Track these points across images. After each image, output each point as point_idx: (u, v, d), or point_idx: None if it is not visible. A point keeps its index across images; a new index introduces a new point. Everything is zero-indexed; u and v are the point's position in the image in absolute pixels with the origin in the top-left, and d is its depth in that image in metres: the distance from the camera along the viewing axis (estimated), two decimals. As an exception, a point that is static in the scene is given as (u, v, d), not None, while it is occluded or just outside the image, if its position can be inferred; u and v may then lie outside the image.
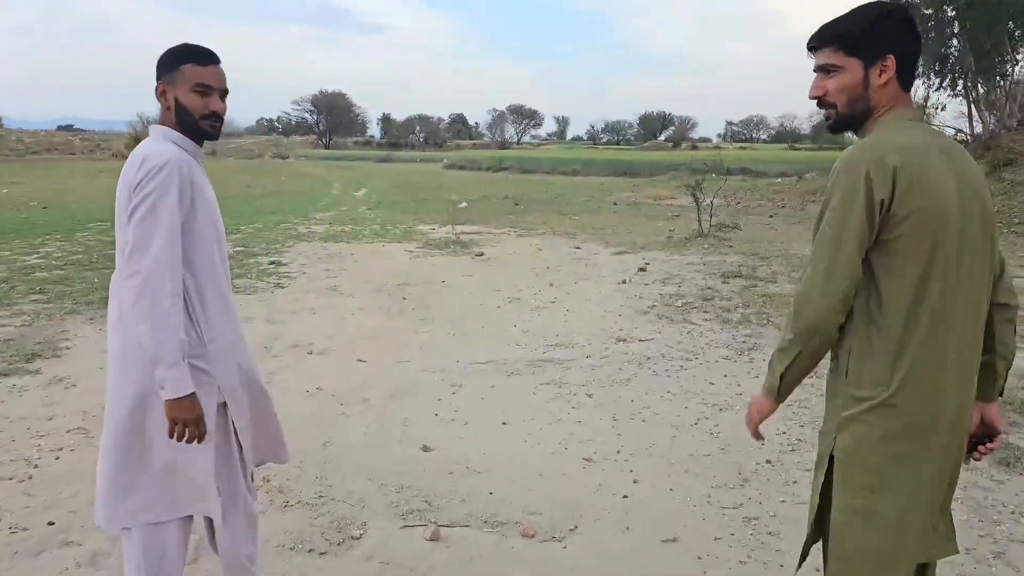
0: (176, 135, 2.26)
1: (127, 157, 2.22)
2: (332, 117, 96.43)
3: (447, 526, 3.37)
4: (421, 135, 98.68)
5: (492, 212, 18.45)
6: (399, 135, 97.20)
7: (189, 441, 2.17)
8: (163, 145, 2.20)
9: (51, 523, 3.30)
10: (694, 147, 79.86)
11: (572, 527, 3.37)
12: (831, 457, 1.87)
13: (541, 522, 3.41)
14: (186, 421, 2.14)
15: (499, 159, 49.80)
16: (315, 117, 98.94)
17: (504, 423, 4.62)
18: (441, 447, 4.24)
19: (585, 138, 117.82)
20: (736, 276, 9.43)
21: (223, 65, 2.31)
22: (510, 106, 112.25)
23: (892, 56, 1.81)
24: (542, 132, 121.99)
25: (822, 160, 39.51)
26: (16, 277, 8.90)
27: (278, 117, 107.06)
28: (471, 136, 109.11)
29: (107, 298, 2.33)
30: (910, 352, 1.74)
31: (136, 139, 58.76)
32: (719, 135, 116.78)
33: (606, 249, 12.28)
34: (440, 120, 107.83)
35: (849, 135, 1.96)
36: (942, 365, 1.77)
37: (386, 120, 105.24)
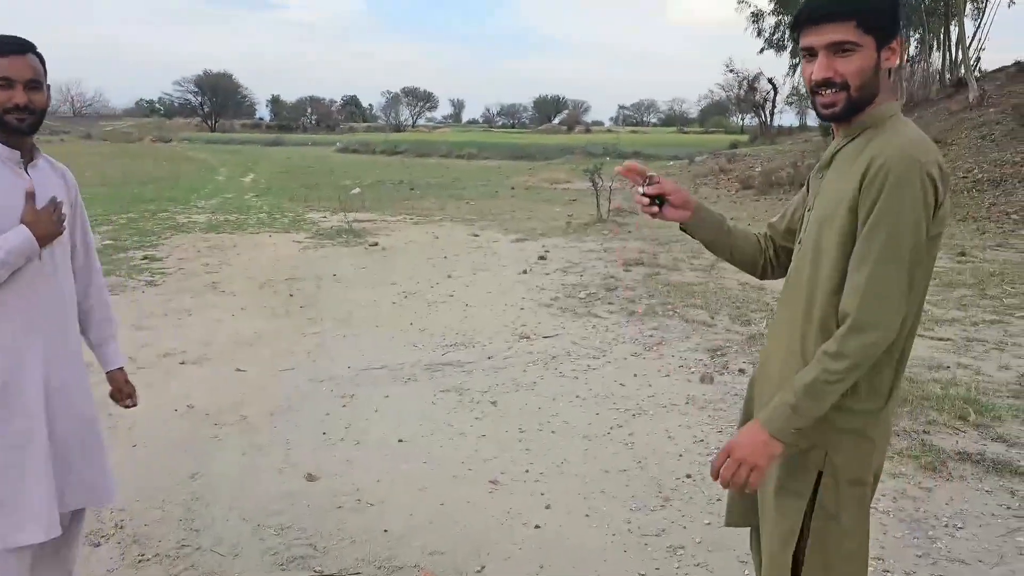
0: None
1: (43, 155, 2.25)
2: (218, 98, 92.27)
3: (334, 575, 2.91)
4: (313, 118, 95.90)
5: (387, 198, 17.82)
6: (290, 117, 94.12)
7: None
8: None
9: None
10: (587, 130, 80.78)
11: (479, 568, 2.97)
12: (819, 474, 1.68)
13: (444, 564, 2.99)
14: None
15: (393, 143, 48.76)
16: (199, 98, 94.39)
17: (400, 440, 4.17)
18: (328, 474, 3.75)
19: (481, 121, 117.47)
20: (638, 264, 9.24)
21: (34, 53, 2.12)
22: (404, 88, 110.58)
23: (897, 39, 1.63)
24: (437, 115, 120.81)
25: (710, 143, 40.56)
26: None
27: (159, 98, 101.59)
28: (365, 119, 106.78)
29: None
30: (903, 362, 1.68)
31: None
32: (611, 119, 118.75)
33: (505, 236, 11.92)
34: (332, 102, 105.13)
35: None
36: (901, 376, 1.71)
37: (276, 102, 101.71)
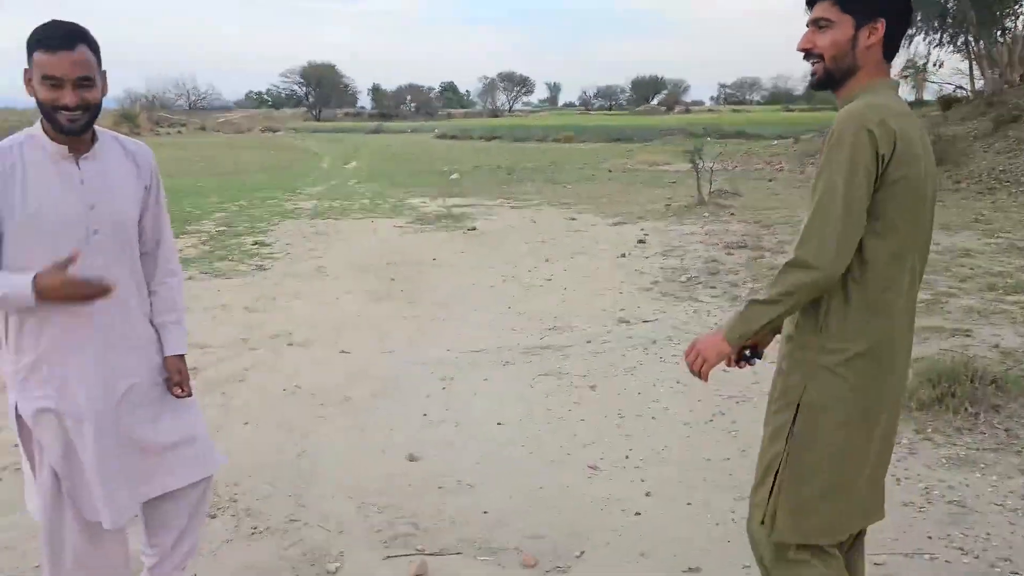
0: (40, 129, 2.05)
1: (114, 136, 2.22)
2: (322, 89, 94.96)
3: (436, 555, 2.95)
4: (412, 105, 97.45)
5: (484, 183, 17.93)
6: (390, 105, 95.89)
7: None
8: (11, 138, 2.06)
9: (-20, 565, 2.87)
10: (687, 110, 78.96)
11: (578, 553, 2.95)
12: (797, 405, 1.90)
13: (543, 548, 2.99)
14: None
15: (491, 128, 49.01)
16: (305, 89, 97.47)
17: (499, 423, 4.20)
18: (429, 456, 3.81)
19: (577, 104, 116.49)
20: (741, 247, 8.97)
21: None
22: (501, 73, 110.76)
23: (883, 19, 1.82)
24: (533, 99, 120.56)
25: (817, 121, 38.86)
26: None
27: (267, 90, 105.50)
28: (462, 105, 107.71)
29: None
30: (886, 310, 1.82)
31: (125, 116, 57.95)
32: (712, 98, 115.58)
33: (603, 220, 11.80)
34: (431, 89, 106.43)
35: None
36: (906, 328, 1.89)
37: (376, 91, 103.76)
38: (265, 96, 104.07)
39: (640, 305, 6.61)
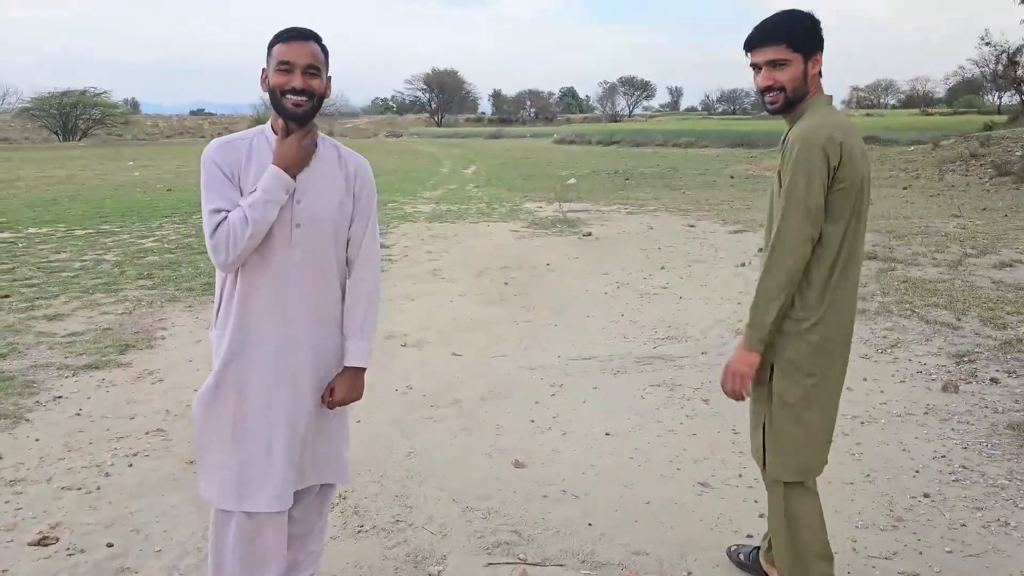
0: (269, 125, 2.25)
1: (334, 144, 2.36)
2: (444, 95, 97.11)
3: (538, 565, 2.91)
4: (531, 110, 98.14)
5: (601, 188, 17.81)
6: (509, 111, 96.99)
7: None
8: (235, 134, 2.29)
9: (110, 544, 3.04)
10: (817, 115, 75.69)
11: (685, 573, 2.84)
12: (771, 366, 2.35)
13: (648, 564, 2.89)
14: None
15: (610, 133, 48.72)
16: (427, 95, 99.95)
17: (607, 433, 4.12)
18: (535, 462, 3.78)
19: (699, 109, 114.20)
20: (870, 258, 8.50)
21: (328, 42, 2.25)
22: (621, 78, 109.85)
23: (820, 52, 2.28)
24: (654, 104, 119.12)
25: (959, 125, 36.39)
26: (128, 261, 9.03)
27: (392, 96, 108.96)
28: (582, 109, 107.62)
29: (208, 284, 2.31)
30: (833, 286, 2.25)
31: (258, 120, 61.07)
32: (843, 101, 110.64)
33: (723, 227, 11.47)
34: (550, 94, 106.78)
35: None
36: (851, 298, 2.32)
37: (497, 96, 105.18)
38: (390, 102, 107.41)
39: (759, 316, 6.35)
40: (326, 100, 2.26)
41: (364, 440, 4.07)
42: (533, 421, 4.30)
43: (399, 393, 4.77)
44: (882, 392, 4.60)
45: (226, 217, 2.10)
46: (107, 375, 5.04)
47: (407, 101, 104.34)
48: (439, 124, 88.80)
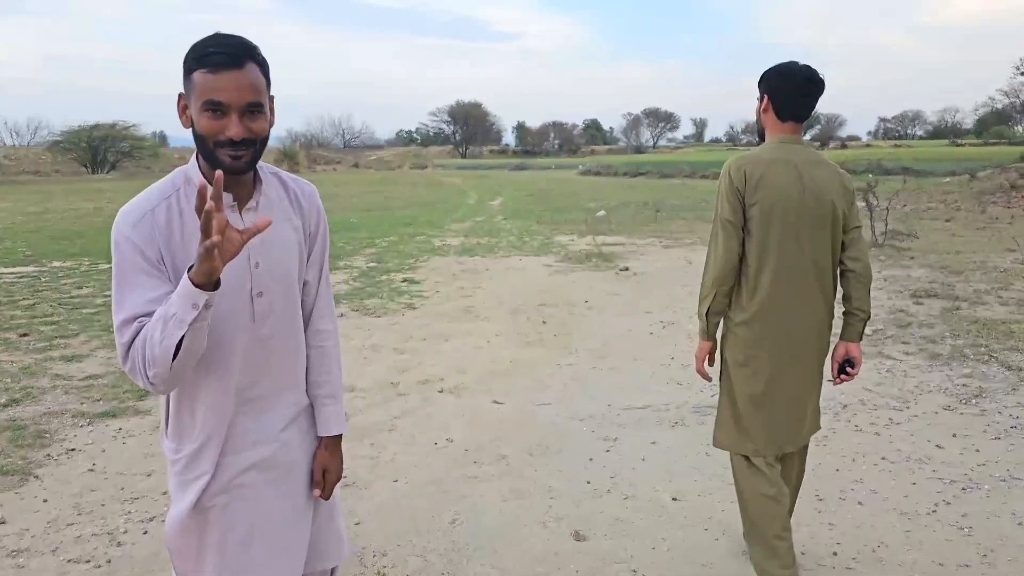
0: (197, 170, 1.67)
1: (275, 173, 1.84)
2: (468, 127, 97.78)
3: (613, 668, 2.48)
4: (555, 142, 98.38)
5: (633, 220, 17.42)
6: (534, 142, 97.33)
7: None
8: (148, 194, 1.67)
9: (118, 635, 2.66)
10: (843, 146, 75.31)
11: None
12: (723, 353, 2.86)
13: (744, 671, 2.45)
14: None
15: (636, 164, 48.46)
16: (452, 127, 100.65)
17: (675, 499, 3.68)
18: (597, 533, 3.35)
19: (724, 140, 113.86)
20: (930, 296, 8.01)
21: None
22: (645, 109, 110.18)
23: (766, 95, 2.72)
24: (679, 135, 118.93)
25: (991, 156, 35.65)
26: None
27: (417, 128, 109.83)
28: (606, 141, 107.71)
29: None
30: (760, 290, 2.67)
31: (285, 154, 61.58)
32: (870, 132, 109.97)
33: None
34: (574, 126, 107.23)
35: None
36: (781, 301, 2.67)
37: (521, 128, 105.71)
38: (414, 134, 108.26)
39: (821, 360, 5.89)
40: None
41: (404, 504, 3.67)
42: (589, 483, 3.87)
43: (439, 447, 4.36)
44: (978, 451, 4.13)
45: (140, 331, 1.56)
46: (124, 424, 4.69)
47: (432, 133, 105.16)
48: (463, 156, 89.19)
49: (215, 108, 1.55)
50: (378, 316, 7.84)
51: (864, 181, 13.48)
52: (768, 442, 2.77)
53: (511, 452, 4.28)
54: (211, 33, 1.59)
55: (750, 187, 2.60)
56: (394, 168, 63.89)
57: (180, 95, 1.63)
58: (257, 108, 1.59)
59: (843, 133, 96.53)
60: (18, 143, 75.41)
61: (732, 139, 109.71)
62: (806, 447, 2.97)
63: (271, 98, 1.67)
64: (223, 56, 1.54)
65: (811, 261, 2.64)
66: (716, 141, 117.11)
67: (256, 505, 1.79)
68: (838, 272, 2.76)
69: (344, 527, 2.07)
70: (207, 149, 1.60)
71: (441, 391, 5.41)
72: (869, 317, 2.81)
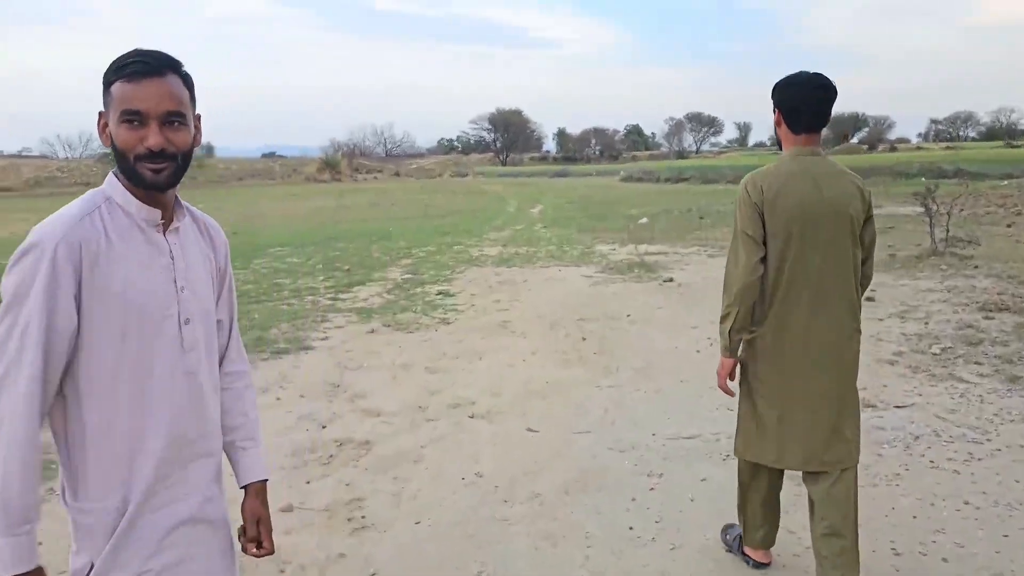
0: (119, 187, 1.55)
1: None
2: (509, 134, 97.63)
3: None
4: (596, 148, 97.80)
5: (676, 228, 16.90)
6: (574, 149, 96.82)
7: None
8: (69, 210, 1.50)
9: None
10: (893, 148, 73.46)
11: None
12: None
13: None
14: None
15: (678, 169, 47.70)
16: (492, 135, 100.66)
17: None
18: (641, 593, 2.96)
19: (768, 144, 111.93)
20: (1001, 309, 7.43)
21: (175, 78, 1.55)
22: (688, 114, 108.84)
23: (777, 108, 2.76)
24: (722, 139, 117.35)
25: (1052, 157, 34.15)
26: (182, 311, 8.56)
27: (457, 136, 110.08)
28: (647, 147, 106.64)
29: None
30: (777, 302, 2.69)
31: (327, 163, 62.14)
32: (920, 134, 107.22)
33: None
34: (615, 132, 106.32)
35: None
36: (799, 313, 2.67)
37: (561, 134, 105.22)
38: (455, 142, 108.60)
39: (886, 383, 5.40)
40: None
41: (425, 550, 3.32)
42: (632, 528, 3.47)
43: (466, 483, 4.00)
44: (1077, 494, 3.63)
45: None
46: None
47: (472, 141, 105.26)
48: (504, 163, 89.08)
49: (133, 117, 1.48)
50: (410, 332, 7.52)
51: (922, 186, 12.84)
52: (783, 454, 2.77)
53: (545, 489, 3.90)
54: (132, 49, 1.53)
55: (767, 201, 2.64)
56: (435, 176, 64.02)
57: (100, 113, 1.55)
58: (178, 119, 1.52)
59: (892, 135, 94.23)
60: (71, 155, 77.31)
61: (777, 143, 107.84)
62: (847, 475, 2.78)
63: (197, 116, 1.61)
64: (142, 64, 1.49)
65: (830, 272, 2.67)
66: (760, 145, 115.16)
67: (190, 567, 1.62)
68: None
69: None
70: (127, 164, 1.50)
71: (472, 416, 5.05)
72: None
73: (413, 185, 48.38)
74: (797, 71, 2.71)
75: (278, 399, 5.42)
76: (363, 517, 3.64)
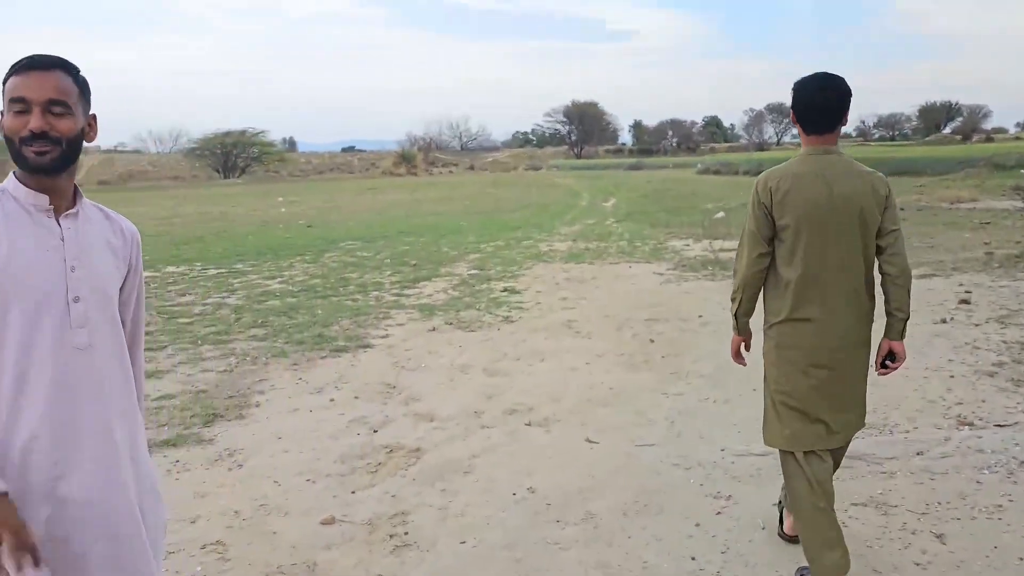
0: (13, 180, 1.71)
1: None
2: (584, 126, 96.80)
3: None
4: (673, 140, 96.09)
5: (754, 223, 16.24)
6: (650, 141, 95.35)
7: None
8: None
9: None
10: (989, 139, 69.73)
11: None
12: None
13: None
14: None
15: (757, 161, 46.26)
16: (567, 127, 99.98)
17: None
18: (702, 637, 2.66)
19: (854, 135, 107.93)
20: (1115, 315, 6.76)
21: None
22: (768, 105, 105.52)
23: (792, 110, 2.87)
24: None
25: None
26: (248, 306, 8.59)
27: (532, 129, 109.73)
28: (726, 139, 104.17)
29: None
30: (789, 296, 2.82)
31: (403, 157, 62.76)
32: (1018, 124, 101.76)
33: (905, 270, 9.83)
34: (693, 123, 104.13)
35: None
36: (809, 306, 2.79)
37: (637, 126, 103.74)
38: (530, 135, 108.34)
39: (985, 398, 4.92)
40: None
41: (472, 573, 3.09)
42: (694, 559, 3.17)
43: (517, 499, 3.76)
44: None
45: None
46: (183, 455, 4.33)
47: (547, 134, 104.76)
48: (578, 156, 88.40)
49: (18, 105, 1.63)
50: (472, 330, 7.32)
51: (1022, 178, 11.97)
52: (804, 438, 2.87)
53: (602, 510, 3.62)
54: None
55: (776, 200, 2.76)
56: (509, 170, 63.92)
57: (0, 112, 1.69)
58: (62, 107, 1.66)
59: (988, 125, 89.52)
60: (161, 151, 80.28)
61: (863, 134, 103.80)
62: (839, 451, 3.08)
63: (92, 116, 1.77)
64: (30, 60, 1.66)
65: (840, 267, 2.78)
66: (846, 137, 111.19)
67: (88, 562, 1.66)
68: (877, 275, 2.86)
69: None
70: (14, 149, 1.65)
71: (529, 424, 4.80)
72: (908, 317, 2.88)
73: (487, 178, 48.34)
74: (809, 74, 2.83)
75: (332, 400, 5.28)
76: (406, 534, 3.44)
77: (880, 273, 2.85)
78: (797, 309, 2.80)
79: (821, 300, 2.78)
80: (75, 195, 1.76)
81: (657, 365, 6.00)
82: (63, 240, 1.69)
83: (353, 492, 3.87)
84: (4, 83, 1.66)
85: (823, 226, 2.73)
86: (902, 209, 18.83)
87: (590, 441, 4.48)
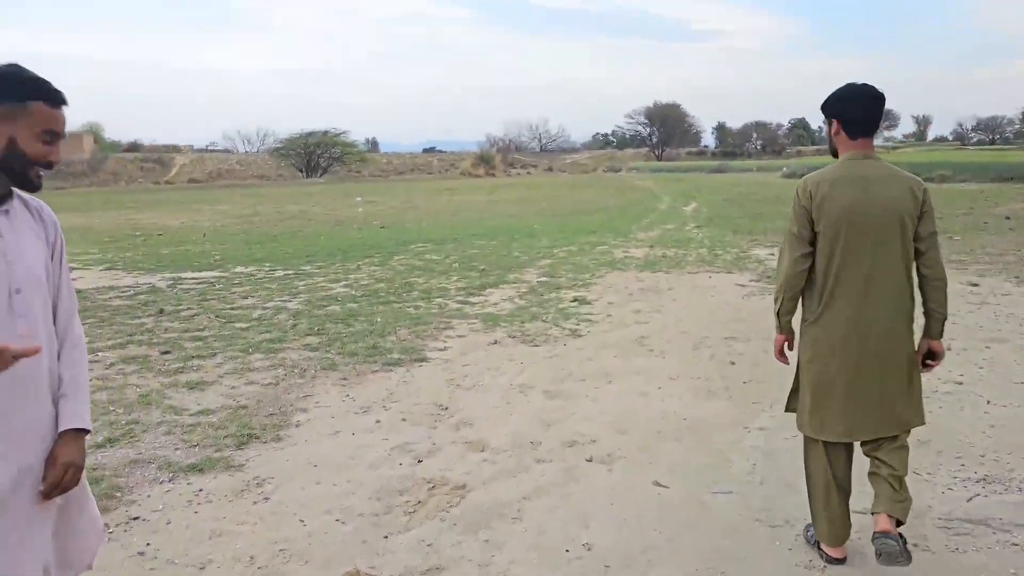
0: None
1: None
2: (665, 128, 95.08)
3: None
4: (758, 143, 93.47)
5: (845, 231, 15.25)
6: (734, 144, 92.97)
7: None
8: None
9: None
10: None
11: None
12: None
13: None
14: None
15: (848, 165, 44.33)
16: (648, 129, 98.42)
17: None
18: None
19: (951, 139, 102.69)
20: None
21: None
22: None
23: (835, 120, 2.99)
24: (897, 134, 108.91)
25: None
26: (307, 311, 8.31)
27: (612, 131, 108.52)
28: (814, 142, 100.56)
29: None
30: (826, 296, 2.94)
31: (482, 158, 62.82)
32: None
33: (1017, 287, 8.89)
34: (779, 126, 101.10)
35: None
36: (846, 306, 2.91)
37: (721, 128, 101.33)
38: (610, 137, 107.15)
39: None
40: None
41: (503, 658, 2.59)
42: (781, 653, 2.60)
43: (570, 558, 3.24)
44: None
45: None
46: (207, 483, 3.97)
47: (627, 135, 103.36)
48: (659, 158, 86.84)
49: (49, 136, 1.84)
50: (536, 344, 6.83)
51: None
52: (833, 428, 3.00)
53: (666, 575, 3.07)
54: (11, 63, 1.84)
55: (815, 204, 2.89)
56: (588, 171, 63.22)
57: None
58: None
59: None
60: (249, 150, 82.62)
61: (960, 138, 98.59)
62: (898, 437, 3.07)
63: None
64: (60, 95, 1.87)
65: (878, 270, 2.88)
66: (941, 140, 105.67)
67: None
68: (915, 278, 2.94)
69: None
70: (23, 168, 1.83)
71: (590, 459, 4.28)
72: (946, 316, 2.98)
73: (564, 180, 47.74)
74: (846, 85, 2.99)
75: (377, 422, 4.87)
76: (438, 594, 2.97)
77: (918, 275, 2.98)
78: (832, 308, 2.93)
79: (858, 300, 2.90)
80: (8, 194, 1.89)
81: (737, 393, 5.39)
82: (2, 237, 1.83)
83: (385, 537, 3.43)
84: (24, 99, 1.79)
85: (861, 228, 2.86)
86: (1007, 218, 17.60)
87: (659, 485, 3.93)
